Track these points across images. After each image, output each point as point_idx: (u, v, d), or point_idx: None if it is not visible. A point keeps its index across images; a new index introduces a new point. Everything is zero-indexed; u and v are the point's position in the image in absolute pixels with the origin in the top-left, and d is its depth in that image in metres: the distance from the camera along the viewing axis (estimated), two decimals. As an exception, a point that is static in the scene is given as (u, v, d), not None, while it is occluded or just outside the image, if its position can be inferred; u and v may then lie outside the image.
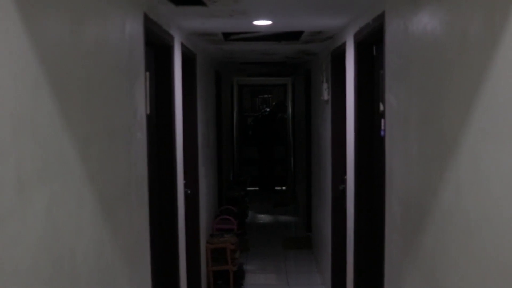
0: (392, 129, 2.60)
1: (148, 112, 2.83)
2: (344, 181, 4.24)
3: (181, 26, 3.78)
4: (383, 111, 2.83)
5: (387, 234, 2.71)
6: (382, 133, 2.89)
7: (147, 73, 2.83)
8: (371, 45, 3.40)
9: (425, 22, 2.03)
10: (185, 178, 4.17)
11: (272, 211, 9.44)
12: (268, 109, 11.67)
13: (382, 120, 2.86)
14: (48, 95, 1.45)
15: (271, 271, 6.29)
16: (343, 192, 4.25)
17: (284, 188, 11.43)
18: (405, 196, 2.36)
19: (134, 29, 2.51)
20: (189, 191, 4.29)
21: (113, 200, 2.10)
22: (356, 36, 3.46)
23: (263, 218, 8.97)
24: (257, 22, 3.79)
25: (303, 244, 7.11)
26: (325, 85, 4.90)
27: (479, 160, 1.52)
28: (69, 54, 1.63)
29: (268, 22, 3.81)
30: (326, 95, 4.86)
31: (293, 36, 4.56)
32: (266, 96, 13.05)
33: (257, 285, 5.80)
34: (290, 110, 11.06)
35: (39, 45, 1.39)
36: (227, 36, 4.51)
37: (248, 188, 9.52)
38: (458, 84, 1.68)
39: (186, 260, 3.97)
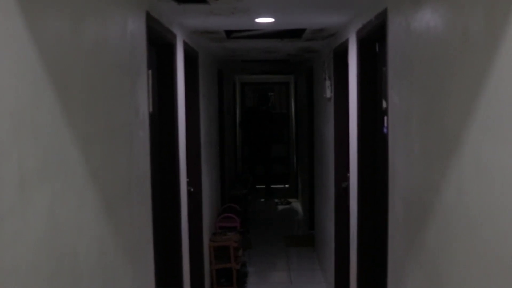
0: (395, 126, 2.60)
1: (151, 110, 2.83)
2: (347, 179, 4.23)
3: (183, 24, 3.78)
4: (386, 108, 2.82)
5: (390, 231, 2.70)
6: (385, 130, 2.88)
7: (150, 71, 2.82)
8: (374, 42, 3.39)
9: (427, 19, 2.02)
10: (188, 176, 4.17)
11: (274, 209, 9.43)
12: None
13: (385, 118, 2.85)
14: (49, 94, 1.45)
15: (274, 269, 6.29)
16: (346, 189, 4.25)
17: (287, 186, 11.43)
18: (408, 194, 2.35)
19: (136, 27, 2.50)
20: (192, 189, 4.30)
21: (115, 198, 2.10)
22: (358, 33, 3.45)
23: (265, 216, 8.96)
24: (259, 20, 3.79)
25: (306, 242, 7.11)
26: (327, 83, 4.89)
27: (481, 158, 1.51)
28: (70, 53, 1.62)
29: (271, 20, 3.81)
30: (328, 93, 4.85)
31: (295, 33, 4.55)
32: (268, 94, 13.03)
33: (260, 283, 5.81)
34: (293, 104, 10.92)
35: (40, 43, 1.39)
36: (229, 34, 4.50)
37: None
38: (460, 82, 1.67)
39: (189, 258, 3.98)
